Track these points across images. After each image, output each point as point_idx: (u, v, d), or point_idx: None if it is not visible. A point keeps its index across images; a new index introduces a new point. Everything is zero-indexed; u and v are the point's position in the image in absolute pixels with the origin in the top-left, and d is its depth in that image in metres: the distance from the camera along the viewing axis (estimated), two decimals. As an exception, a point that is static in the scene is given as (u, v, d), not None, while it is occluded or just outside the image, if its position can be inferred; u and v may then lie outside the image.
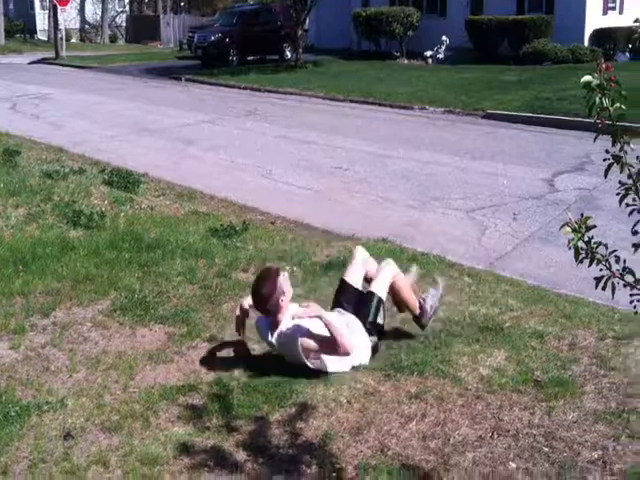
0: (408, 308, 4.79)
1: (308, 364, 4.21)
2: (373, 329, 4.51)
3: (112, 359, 4.47)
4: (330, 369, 4.25)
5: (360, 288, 4.72)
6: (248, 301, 4.49)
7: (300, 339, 4.18)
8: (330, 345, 4.17)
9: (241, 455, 3.50)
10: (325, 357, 4.25)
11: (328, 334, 4.16)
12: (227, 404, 3.93)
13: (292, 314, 4.31)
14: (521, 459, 3.37)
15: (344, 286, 4.73)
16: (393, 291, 4.71)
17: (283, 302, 4.28)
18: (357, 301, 4.63)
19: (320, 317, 4.18)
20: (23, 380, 4.19)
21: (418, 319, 4.79)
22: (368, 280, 4.74)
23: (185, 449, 3.54)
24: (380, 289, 4.61)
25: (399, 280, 4.72)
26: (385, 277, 4.66)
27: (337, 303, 4.68)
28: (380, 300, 4.59)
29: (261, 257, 6.29)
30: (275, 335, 4.31)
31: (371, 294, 4.60)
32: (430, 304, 4.78)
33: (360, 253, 4.86)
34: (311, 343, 4.19)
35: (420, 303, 4.76)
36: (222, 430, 3.70)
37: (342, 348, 4.17)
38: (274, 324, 4.33)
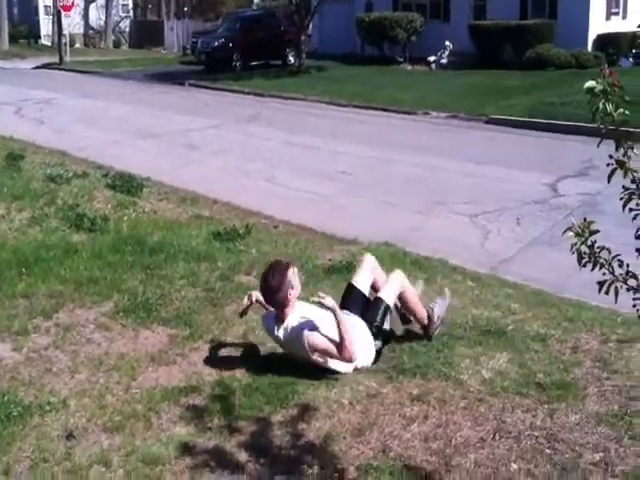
0: (416, 318, 4.78)
1: (312, 357, 4.20)
2: (379, 334, 4.50)
3: (114, 360, 4.48)
4: (332, 367, 4.25)
5: (367, 294, 4.72)
6: (258, 295, 4.48)
7: (306, 333, 4.17)
8: (335, 348, 4.16)
9: (243, 456, 3.51)
10: (329, 361, 4.25)
11: (335, 335, 4.15)
12: (229, 405, 3.94)
13: (302, 308, 4.32)
14: (523, 461, 3.37)
15: (352, 290, 4.71)
16: (401, 301, 4.72)
17: (291, 296, 4.26)
18: (364, 306, 4.62)
19: (334, 311, 4.14)
20: (25, 381, 4.21)
21: (426, 329, 4.76)
22: (375, 289, 4.73)
23: (187, 449, 3.55)
24: (388, 296, 4.61)
25: (408, 291, 4.72)
26: (394, 286, 4.65)
27: (343, 306, 4.64)
28: (388, 307, 4.59)
29: (264, 260, 6.28)
30: (281, 329, 4.30)
31: (379, 300, 4.60)
32: (437, 314, 4.75)
33: (369, 261, 4.83)
34: (316, 340, 4.18)
35: (428, 313, 4.74)
36: (224, 431, 3.71)
37: (347, 353, 4.15)
38: (281, 318, 4.32)
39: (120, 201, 8.23)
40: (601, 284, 2.57)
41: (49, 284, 5.62)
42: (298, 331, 4.21)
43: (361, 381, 4.19)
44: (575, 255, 2.59)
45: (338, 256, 6.50)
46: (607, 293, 2.56)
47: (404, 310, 4.82)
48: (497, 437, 3.57)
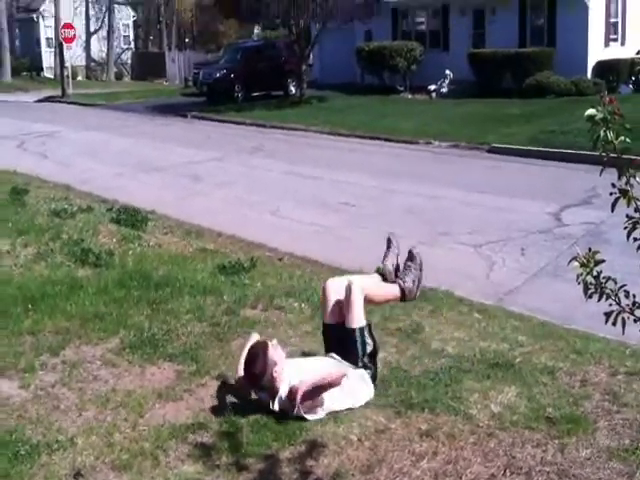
0: (390, 302, 4.86)
1: (309, 418, 4.14)
2: (367, 360, 4.45)
3: (121, 397, 4.46)
4: (329, 410, 4.20)
5: (339, 321, 4.60)
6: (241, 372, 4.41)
7: (299, 401, 4.12)
8: (324, 386, 4.14)
9: (252, 495, 3.48)
10: (326, 399, 4.18)
11: (320, 380, 4.14)
12: (237, 442, 3.91)
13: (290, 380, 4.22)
14: (535, 498, 3.34)
15: (328, 329, 4.67)
16: (367, 302, 4.58)
17: (277, 373, 4.19)
18: (341, 337, 4.52)
19: (310, 384, 4.10)
20: (33, 419, 4.18)
21: (403, 300, 4.80)
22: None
23: (196, 489, 3.52)
24: (357, 319, 4.49)
25: (369, 292, 4.59)
26: (355, 304, 4.49)
27: (328, 347, 4.63)
28: (362, 329, 4.48)
29: (269, 294, 6.29)
30: (276, 402, 4.19)
31: (352, 332, 4.47)
32: (412, 279, 4.74)
33: (331, 288, 4.69)
34: (309, 398, 4.13)
35: (400, 285, 4.71)
36: (232, 468, 3.68)
37: (334, 382, 4.13)
38: (274, 393, 4.21)
39: (125, 235, 8.24)
40: (608, 315, 2.57)
41: (55, 320, 5.61)
42: (292, 401, 4.12)
43: (369, 416, 4.17)
44: (580, 286, 2.58)
45: (343, 288, 6.48)
46: (614, 324, 2.55)
47: (375, 306, 4.80)
48: (508, 473, 3.54)
